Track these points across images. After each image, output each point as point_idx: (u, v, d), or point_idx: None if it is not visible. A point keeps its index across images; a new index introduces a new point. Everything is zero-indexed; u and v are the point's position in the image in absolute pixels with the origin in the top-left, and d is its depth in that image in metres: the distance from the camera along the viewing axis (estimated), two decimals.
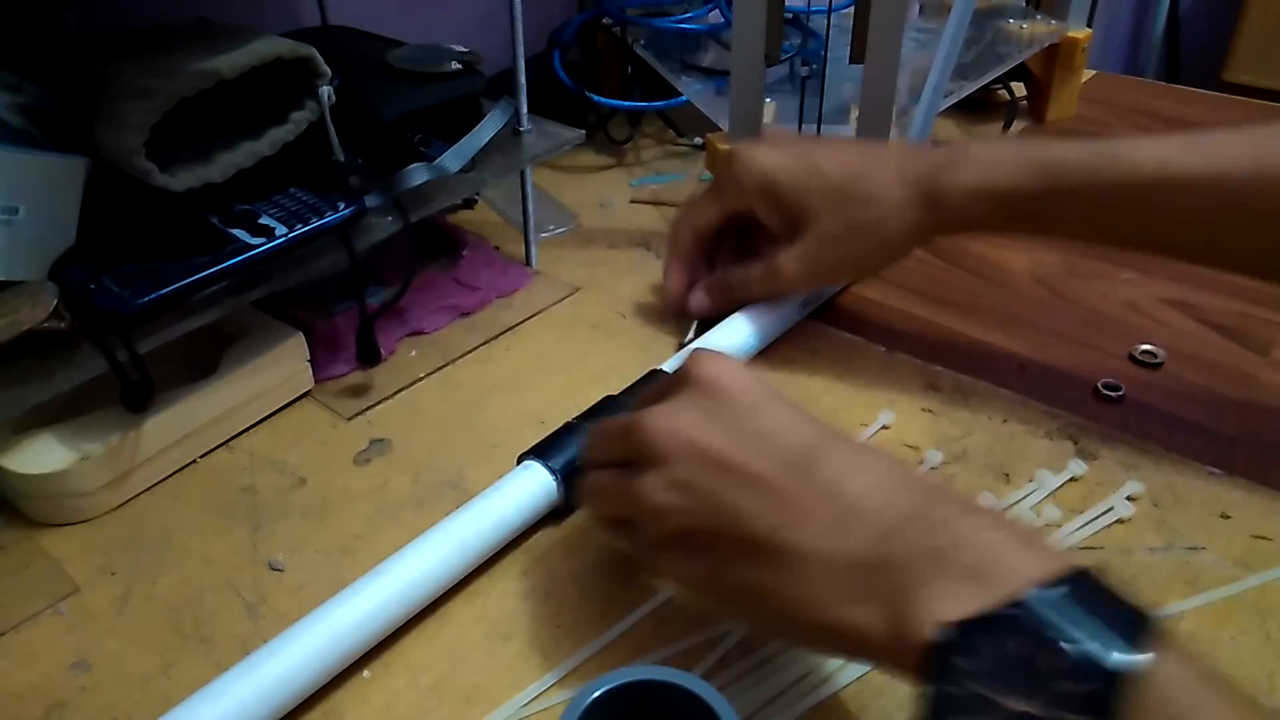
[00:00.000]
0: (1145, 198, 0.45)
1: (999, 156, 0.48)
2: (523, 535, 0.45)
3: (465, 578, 0.42)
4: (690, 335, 0.57)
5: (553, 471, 0.44)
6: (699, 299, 0.57)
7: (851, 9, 0.59)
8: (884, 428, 0.50)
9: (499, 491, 0.43)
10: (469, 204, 0.73)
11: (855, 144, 0.54)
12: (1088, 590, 0.27)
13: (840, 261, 0.53)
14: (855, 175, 0.50)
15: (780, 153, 0.53)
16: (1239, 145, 0.44)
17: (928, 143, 0.54)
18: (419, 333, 0.59)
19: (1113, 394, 0.52)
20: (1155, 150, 0.45)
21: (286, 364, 0.52)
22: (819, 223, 0.51)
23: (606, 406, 0.48)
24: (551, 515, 0.45)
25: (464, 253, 0.65)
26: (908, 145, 0.52)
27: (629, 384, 0.51)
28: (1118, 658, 0.25)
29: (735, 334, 0.55)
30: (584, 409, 0.48)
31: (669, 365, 0.52)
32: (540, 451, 0.45)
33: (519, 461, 0.45)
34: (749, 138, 0.55)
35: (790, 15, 0.74)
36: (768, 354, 0.57)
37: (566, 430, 0.46)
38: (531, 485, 0.44)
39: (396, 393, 0.54)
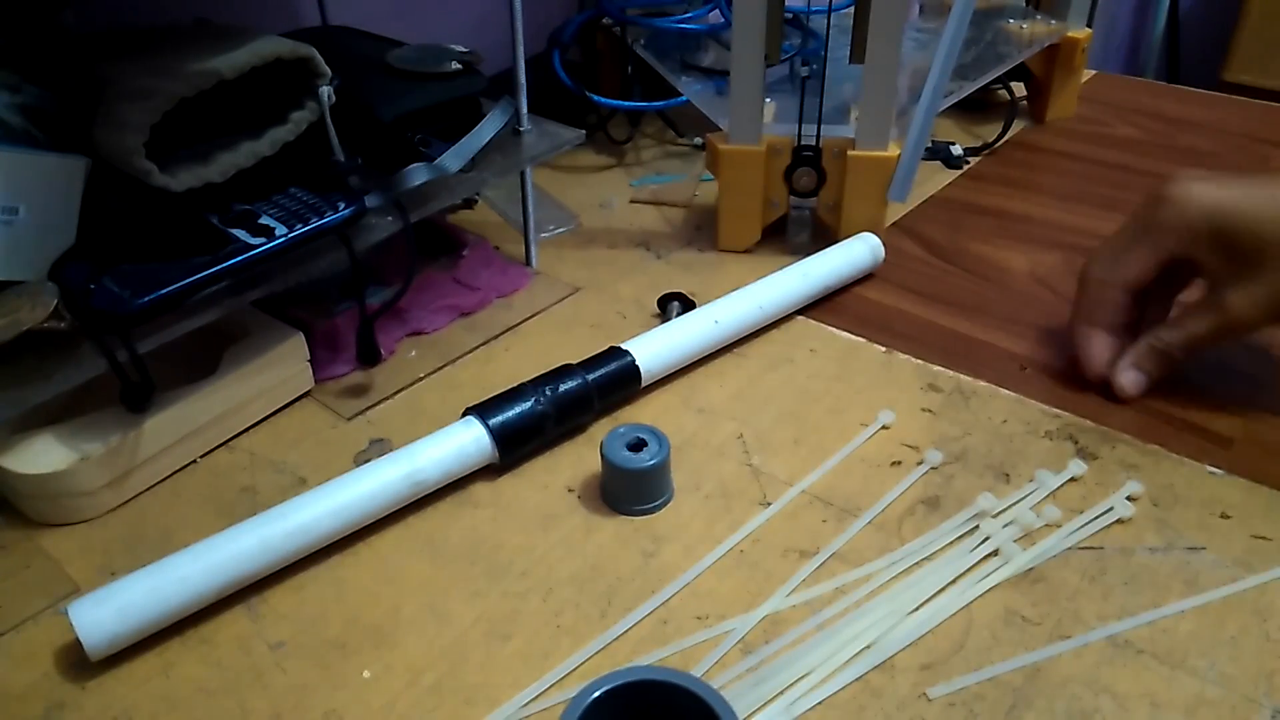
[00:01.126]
0: None
1: None
2: (525, 536, 0.45)
3: (468, 578, 0.43)
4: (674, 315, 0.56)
5: (488, 427, 0.47)
6: (1132, 378, 0.51)
7: (851, 9, 0.59)
8: (884, 428, 0.50)
9: (432, 439, 0.46)
10: (469, 204, 0.73)
11: None
12: None
13: None
14: None
15: (1226, 187, 0.47)
16: None
17: None
18: (419, 333, 0.59)
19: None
20: None
21: (286, 364, 0.52)
22: None
23: (562, 372, 0.50)
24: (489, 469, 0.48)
25: (464, 253, 0.65)
26: None
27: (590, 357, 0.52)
28: None
29: (738, 306, 0.56)
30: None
31: (629, 345, 0.53)
32: (483, 408, 0.47)
33: (462, 415, 0.48)
34: (1186, 179, 0.48)
35: (790, 15, 0.74)
36: (766, 353, 0.57)
37: (517, 391, 0.48)
38: (464, 438, 0.46)
39: (396, 393, 0.54)
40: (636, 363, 0.51)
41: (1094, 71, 0.97)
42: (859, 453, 0.49)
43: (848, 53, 0.60)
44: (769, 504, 0.46)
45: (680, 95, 0.74)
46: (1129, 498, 0.45)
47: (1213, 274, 0.48)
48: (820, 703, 0.37)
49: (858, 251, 0.62)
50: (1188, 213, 0.48)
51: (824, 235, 0.67)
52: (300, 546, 0.42)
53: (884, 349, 0.57)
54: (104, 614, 0.38)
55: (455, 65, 0.58)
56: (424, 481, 0.45)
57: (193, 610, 0.40)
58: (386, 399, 0.54)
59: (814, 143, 0.63)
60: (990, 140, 0.83)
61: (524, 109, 0.60)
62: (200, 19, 0.54)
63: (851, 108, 0.65)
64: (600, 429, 0.50)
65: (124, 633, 0.38)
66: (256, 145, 0.48)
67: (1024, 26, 0.84)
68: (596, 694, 0.32)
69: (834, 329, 0.59)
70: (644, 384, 0.53)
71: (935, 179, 0.78)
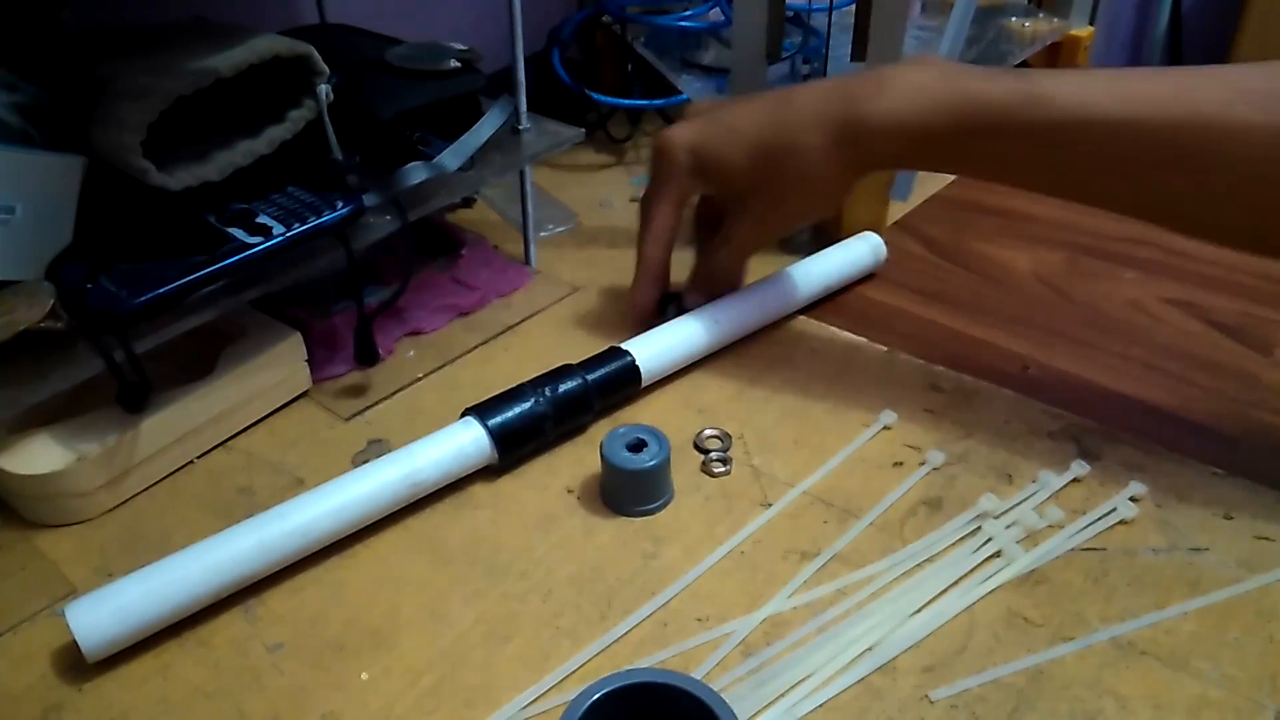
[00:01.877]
0: (1063, 140, 0.44)
1: (920, 83, 0.46)
2: (524, 537, 0.44)
3: (467, 579, 0.42)
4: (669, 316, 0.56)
5: (486, 428, 0.46)
6: (694, 300, 0.56)
7: (853, 7, 0.59)
8: (885, 428, 0.50)
9: (431, 440, 0.46)
10: (468, 203, 0.73)
11: (767, 99, 0.51)
12: None
13: (786, 217, 0.54)
14: (771, 128, 0.49)
15: (698, 124, 0.52)
16: (1161, 88, 0.42)
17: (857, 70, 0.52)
18: (418, 332, 0.59)
19: None
20: (1076, 90, 0.43)
21: (284, 364, 0.52)
22: (756, 187, 0.51)
23: (561, 372, 0.50)
24: (488, 470, 0.48)
25: (463, 252, 0.64)
26: (827, 81, 0.50)
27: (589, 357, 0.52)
28: None
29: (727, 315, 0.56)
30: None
31: (629, 345, 0.52)
32: (482, 409, 0.47)
33: (461, 416, 0.48)
34: (674, 125, 0.54)
35: (791, 13, 0.74)
36: (766, 353, 0.56)
37: (516, 392, 0.48)
38: (463, 439, 0.46)
39: (395, 393, 0.54)
40: (636, 363, 0.51)
41: None
42: (860, 453, 0.49)
43: (849, 51, 0.60)
44: (770, 505, 0.46)
45: (680, 93, 0.74)
46: (1132, 498, 0.45)
47: (725, 203, 0.54)
48: (822, 705, 0.37)
49: (859, 251, 0.62)
50: (673, 158, 0.52)
51: (824, 235, 0.66)
52: (299, 548, 0.42)
53: (885, 349, 0.57)
54: (101, 616, 0.38)
55: (454, 63, 0.57)
56: (423, 483, 0.45)
57: (190, 612, 0.40)
58: (385, 399, 0.54)
59: None
60: None
61: (523, 107, 0.60)
62: (198, 17, 0.53)
63: None
64: (600, 429, 0.50)
65: (121, 635, 0.38)
66: (254, 144, 0.48)
67: (1026, 24, 0.84)
68: (596, 696, 0.31)
69: (835, 329, 0.59)
70: (644, 384, 0.52)
71: (936, 178, 0.78)
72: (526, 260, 0.66)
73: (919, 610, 0.40)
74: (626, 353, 0.51)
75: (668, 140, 0.52)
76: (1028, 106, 0.44)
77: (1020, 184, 0.48)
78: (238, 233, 0.47)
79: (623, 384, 0.51)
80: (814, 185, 0.50)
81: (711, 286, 0.56)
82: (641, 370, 0.51)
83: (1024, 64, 0.82)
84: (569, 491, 0.47)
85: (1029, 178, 0.47)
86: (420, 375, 0.55)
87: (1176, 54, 2.06)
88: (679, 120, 0.54)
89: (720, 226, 0.56)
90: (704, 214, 0.59)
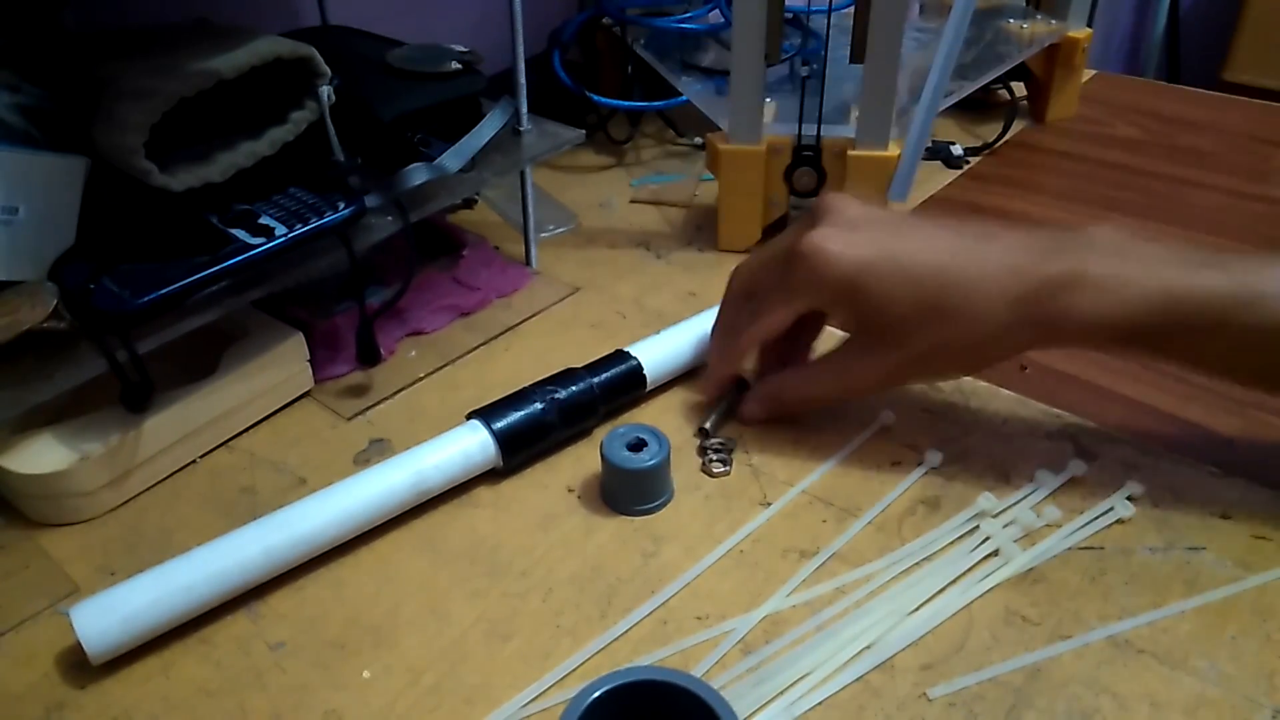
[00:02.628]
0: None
1: (1123, 279, 0.41)
2: (525, 536, 0.45)
3: (468, 578, 0.43)
4: (712, 420, 0.50)
5: (492, 431, 0.46)
6: (752, 410, 0.51)
7: (851, 9, 0.59)
8: (883, 428, 0.50)
9: (436, 444, 0.46)
10: (469, 204, 0.73)
11: (948, 236, 0.45)
12: None
13: (925, 376, 0.50)
14: (952, 285, 0.43)
15: (862, 247, 0.44)
16: None
17: (1033, 234, 0.44)
18: (419, 333, 0.59)
19: None
20: None
21: (286, 364, 0.52)
22: (907, 339, 0.44)
23: (567, 376, 0.49)
24: (490, 474, 0.48)
25: (464, 253, 0.65)
26: (1013, 241, 0.44)
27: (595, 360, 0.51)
28: None
29: None
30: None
31: (634, 349, 0.52)
32: (487, 412, 0.47)
33: (466, 419, 0.48)
34: (827, 226, 0.46)
35: (790, 15, 0.74)
36: None
37: (520, 395, 0.48)
38: (469, 443, 0.46)
39: (396, 393, 0.54)
40: (643, 369, 0.51)
41: (1094, 71, 0.97)
42: (859, 453, 0.49)
43: (848, 52, 0.60)
44: (769, 504, 0.46)
45: (680, 95, 0.74)
46: (1129, 498, 0.45)
47: (844, 327, 0.48)
48: (820, 703, 0.37)
49: None
50: (822, 275, 0.45)
51: None
52: (304, 553, 0.42)
53: None
54: (107, 623, 0.38)
55: (455, 65, 0.57)
56: (429, 489, 0.45)
57: (195, 615, 0.40)
58: (386, 399, 0.54)
59: (814, 142, 0.63)
60: (990, 140, 0.83)
61: (524, 109, 0.60)
62: (200, 19, 0.53)
63: (851, 107, 0.65)
64: (601, 429, 0.50)
65: (126, 640, 0.38)
66: (256, 145, 0.48)
67: (1024, 26, 0.84)
68: (596, 694, 0.32)
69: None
70: (648, 388, 0.52)
71: (935, 179, 0.78)
72: (527, 261, 0.66)
73: (917, 609, 0.40)
74: (632, 357, 0.51)
75: (822, 253, 0.45)
76: (1249, 308, 0.40)
77: (1236, 382, 0.45)
78: (240, 233, 0.47)
79: (628, 388, 0.51)
80: (978, 357, 0.45)
81: (782, 406, 0.50)
82: (647, 375, 0.51)
83: (1022, 65, 0.82)
84: (569, 490, 0.47)
85: (1247, 378, 0.44)
86: (421, 375, 0.56)
87: (1174, 55, 2.06)
88: (823, 215, 0.46)
89: (801, 339, 0.52)
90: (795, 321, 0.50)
